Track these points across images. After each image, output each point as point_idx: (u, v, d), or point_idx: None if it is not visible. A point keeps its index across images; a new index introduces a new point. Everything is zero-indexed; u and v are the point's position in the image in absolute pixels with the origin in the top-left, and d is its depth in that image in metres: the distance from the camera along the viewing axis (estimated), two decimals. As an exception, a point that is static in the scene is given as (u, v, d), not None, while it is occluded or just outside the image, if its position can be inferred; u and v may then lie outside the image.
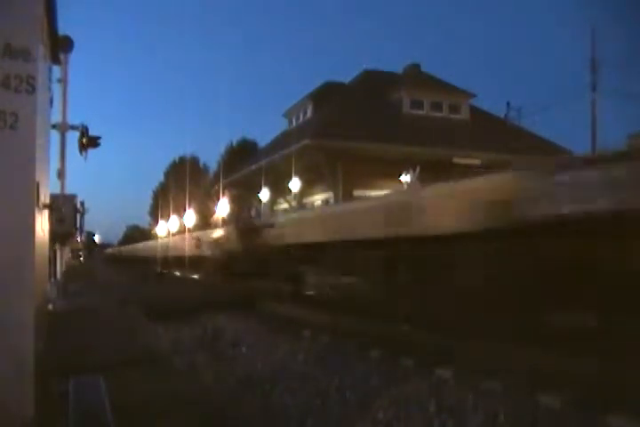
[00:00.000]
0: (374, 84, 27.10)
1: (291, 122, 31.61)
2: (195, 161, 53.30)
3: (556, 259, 5.71)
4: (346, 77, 34.04)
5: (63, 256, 13.11)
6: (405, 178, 19.52)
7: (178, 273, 24.59)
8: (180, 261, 24.04)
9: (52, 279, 9.48)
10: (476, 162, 21.52)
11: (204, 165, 54.54)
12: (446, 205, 7.45)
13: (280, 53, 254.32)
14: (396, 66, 34.18)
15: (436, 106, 26.35)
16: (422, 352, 6.00)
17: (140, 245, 38.63)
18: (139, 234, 57.90)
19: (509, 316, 6.03)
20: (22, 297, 2.77)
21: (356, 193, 21.31)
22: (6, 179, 2.74)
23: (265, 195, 24.68)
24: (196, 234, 23.08)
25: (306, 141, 21.92)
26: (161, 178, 59.16)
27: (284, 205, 25.90)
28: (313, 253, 10.82)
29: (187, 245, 22.70)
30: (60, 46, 6.20)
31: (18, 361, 2.72)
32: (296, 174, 21.58)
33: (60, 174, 9.65)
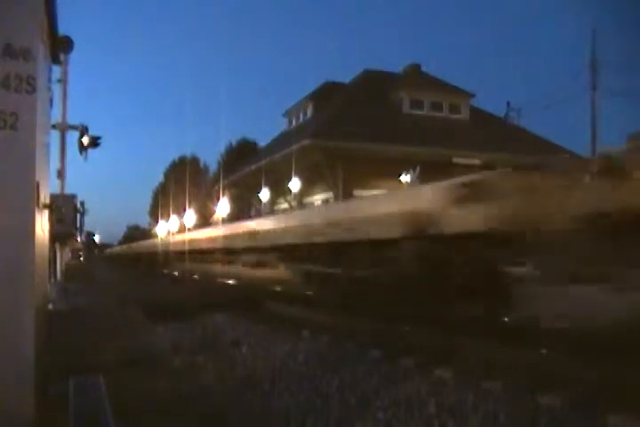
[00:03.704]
0: (374, 84, 27.10)
1: (291, 122, 31.63)
2: (195, 161, 53.32)
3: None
4: (346, 77, 34.08)
5: (63, 256, 13.10)
6: (405, 178, 19.54)
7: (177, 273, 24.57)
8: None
9: (52, 279, 9.48)
10: (476, 162, 21.53)
11: (204, 165, 54.56)
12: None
13: (280, 53, 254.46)
14: (396, 66, 34.20)
15: (436, 106, 26.37)
16: (422, 352, 6.01)
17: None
18: (139, 234, 57.81)
19: None
20: (22, 297, 2.77)
21: (356, 193, 21.33)
22: (6, 179, 2.73)
23: (265, 195, 24.68)
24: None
25: (306, 141, 21.92)
26: (161, 178, 59.16)
27: (284, 205, 25.90)
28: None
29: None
30: (59, 46, 6.19)
31: (18, 361, 2.72)
32: (296, 174, 21.58)
33: (60, 174, 9.66)
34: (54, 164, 9.27)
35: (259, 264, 14.09)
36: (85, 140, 9.46)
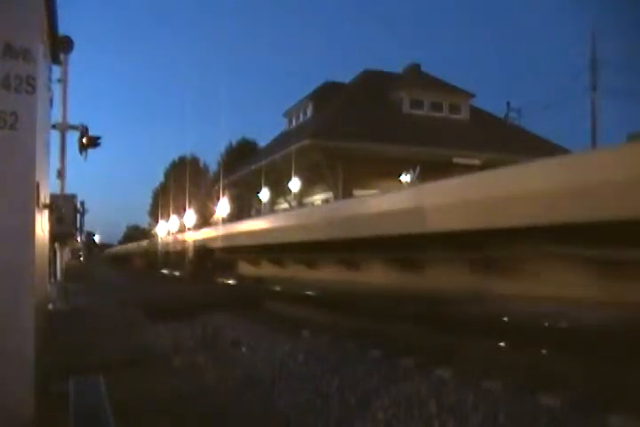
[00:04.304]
0: (374, 84, 27.11)
1: (291, 122, 31.63)
2: (195, 161, 53.20)
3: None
4: (346, 77, 34.06)
5: (63, 256, 13.09)
6: (405, 178, 19.55)
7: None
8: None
9: (52, 279, 9.47)
10: (476, 162, 21.53)
11: (204, 164, 54.49)
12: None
13: (280, 53, 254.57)
14: (396, 66, 34.16)
15: (436, 106, 26.37)
16: (422, 352, 6.00)
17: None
18: (139, 234, 57.73)
19: None
20: (22, 297, 2.77)
21: (356, 193, 21.33)
22: (6, 179, 2.74)
23: (265, 195, 24.68)
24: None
25: (306, 141, 21.93)
26: (161, 178, 59.06)
27: (284, 205, 25.90)
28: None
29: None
30: (59, 46, 6.19)
31: (18, 361, 2.72)
32: (296, 174, 21.59)
33: (60, 174, 9.65)
34: (54, 164, 9.26)
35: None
36: (85, 140, 9.45)
